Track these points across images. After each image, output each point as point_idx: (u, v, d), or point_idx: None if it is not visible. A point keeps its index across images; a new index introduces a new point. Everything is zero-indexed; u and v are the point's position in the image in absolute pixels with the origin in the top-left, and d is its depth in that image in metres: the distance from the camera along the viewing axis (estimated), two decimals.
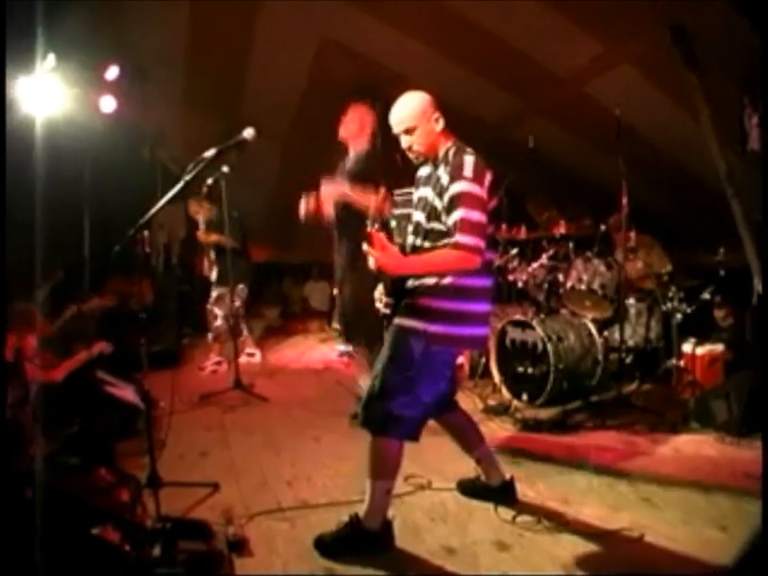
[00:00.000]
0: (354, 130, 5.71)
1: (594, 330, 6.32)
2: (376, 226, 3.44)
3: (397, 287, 3.63)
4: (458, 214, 3.38)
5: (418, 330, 3.50)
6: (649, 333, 6.68)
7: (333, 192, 5.49)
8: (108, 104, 7.40)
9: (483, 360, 6.89)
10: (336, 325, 9.19)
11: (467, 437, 4.19)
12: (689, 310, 6.29)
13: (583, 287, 6.29)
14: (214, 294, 8.07)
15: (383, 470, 3.58)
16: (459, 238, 3.35)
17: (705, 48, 5.52)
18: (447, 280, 3.51)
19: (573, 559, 3.51)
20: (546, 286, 6.79)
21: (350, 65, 7.28)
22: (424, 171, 3.86)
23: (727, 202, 5.71)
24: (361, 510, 3.61)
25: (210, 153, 3.76)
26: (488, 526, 3.90)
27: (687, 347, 6.29)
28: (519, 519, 3.94)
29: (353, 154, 5.69)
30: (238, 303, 7.76)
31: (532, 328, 6.14)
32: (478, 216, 3.39)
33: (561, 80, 6.98)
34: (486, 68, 7.07)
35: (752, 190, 5.62)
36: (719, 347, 6.26)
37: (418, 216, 3.74)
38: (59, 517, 3.33)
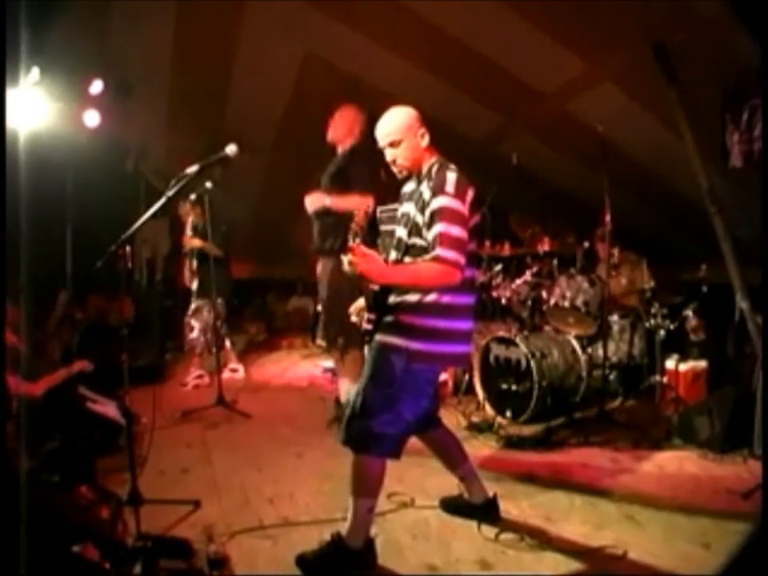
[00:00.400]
0: (342, 131, 5.76)
1: (577, 347, 6.34)
2: (357, 240, 3.43)
3: (378, 303, 3.62)
4: (437, 229, 3.37)
5: (400, 348, 3.48)
6: (632, 349, 6.69)
7: (315, 204, 5.51)
8: (92, 118, 7.38)
9: (467, 377, 6.88)
10: (320, 341, 9.17)
11: (450, 454, 4.17)
12: (672, 327, 6.32)
13: (567, 304, 6.30)
14: (193, 305, 8.05)
15: (365, 488, 3.56)
16: (439, 251, 3.34)
17: (687, 66, 5.55)
18: (430, 297, 3.50)
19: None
20: (529, 302, 6.81)
21: (334, 80, 7.29)
22: (408, 187, 3.87)
23: (709, 219, 5.74)
24: (343, 528, 3.59)
25: (192, 169, 3.75)
26: (471, 544, 3.88)
27: (670, 363, 6.31)
28: (502, 537, 3.92)
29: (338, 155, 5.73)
30: (212, 317, 7.70)
31: (516, 345, 6.14)
32: (458, 231, 3.39)
33: (544, 97, 7.00)
34: (469, 84, 7.10)
35: (734, 206, 5.65)
36: (702, 363, 6.29)
37: (401, 232, 3.74)
38: (39, 534, 3.29)
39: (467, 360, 4.14)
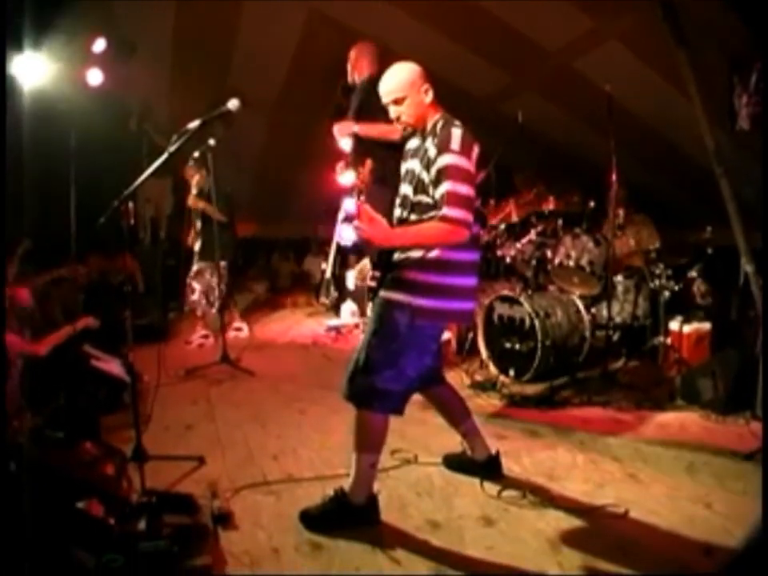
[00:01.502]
0: (360, 64, 5.79)
1: (581, 307, 6.33)
2: (362, 198, 3.41)
3: (383, 260, 3.61)
4: (445, 187, 3.35)
5: (403, 304, 3.47)
6: (636, 310, 6.68)
7: (344, 131, 5.49)
8: (95, 77, 7.33)
9: (470, 336, 6.89)
10: (324, 300, 9.17)
11: (453, 411, 4.19)
12: (676, 288, 6.30)
13: (571, 264, 6.27)
14: (195, 267, 8.05)
15: (368, 443, 3.57)
16: (446, 210, 3.32)
17: (696, 26, 5.49)
18: (433, 254, 3.49)
19: (558, 534, 3.51)
20: (534, 262, 6.78)
21: (338, 37, 7.22)
22: (412, 144, 3.82)
23: (716, 181, 5.70)
24: (347, 483, 3.61)
25: (194, 124, 3.72)
26: (473, 501, 3.90)
27: (674, 325, 6.29)
28: (505, 494, 3.94)
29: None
30: (214, 279, 7.69)
31: (520, 304, 6.14)
32: (465, 189, 3.36)
33: (550, 54, 6.94)
34: (475, 42, 7.03)
35: (740, 168, 5.61)
36: (706, 325, 6.27)
37: (406, 189, 3.71)
38: (44, 491, 3.31)
39: (471, 317, 4.12)
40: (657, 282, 6.35)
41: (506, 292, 6.42)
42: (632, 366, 6.46)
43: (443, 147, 3.41)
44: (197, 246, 8.07)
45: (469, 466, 4.22)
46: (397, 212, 3.75)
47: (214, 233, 7.26)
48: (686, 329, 6.21)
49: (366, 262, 3.83)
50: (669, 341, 6.27)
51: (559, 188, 7.35)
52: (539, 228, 6.92)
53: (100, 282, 8.13)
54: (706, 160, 5.63)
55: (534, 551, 3.37)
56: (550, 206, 7.12)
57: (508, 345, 6.23)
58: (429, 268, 3.50)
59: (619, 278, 6.68)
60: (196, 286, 8.01)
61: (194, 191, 7.89)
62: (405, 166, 3.83)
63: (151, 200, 10.20)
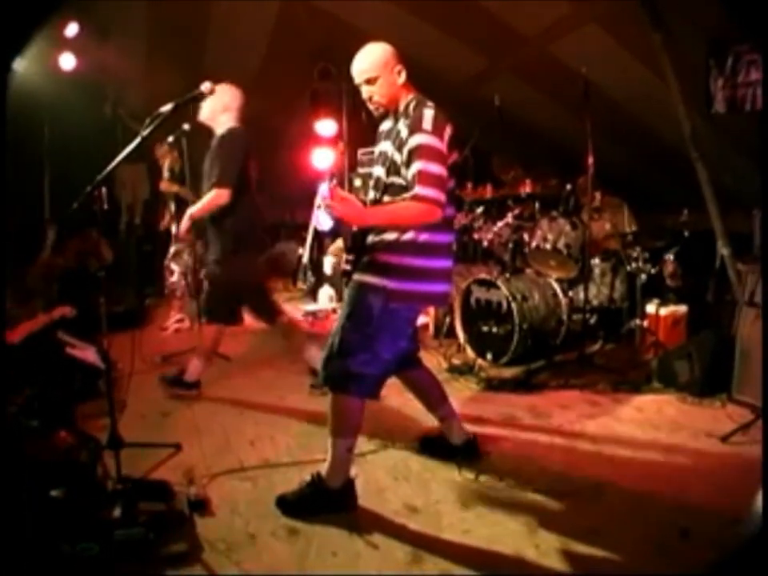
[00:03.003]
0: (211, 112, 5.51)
1: (558, 290, 6.35)
2: (334, 181, 3.38)
3: (356, 244, 3.59)
4: (416, 167, 3.33)
5: (378, 287, 3.47)
6: (613, 293, 6.70)
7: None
8: (68, 61, 7.27)
9: (448, 319, 6.89)
10: (301, 284, 9.16)
11: (430, 395, 4.19)
12: (653, 271, 6.33)
13: (548, 247, 6.28)
14: (173, 249, 7.97)
15: (344, 427, 3.57)
16: (418, 190, 3.31)
17: (672, 9, 5.49)
18: (408, 236, 3.48)
19: (535, 517, 3.52)
20: (511, 245, 6.80)
21: (314, 22, 7.18)
22: (385, 126, 3.80)
23: (692, 164, 5.72)
24: (323, 468, 3.61)
25: (167, 107, 3.68)
26: (451, 485, 3.91)
27: (651, 308, 6.31)
28: (482, 478, 3.96)
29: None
30: (192, 260, 7.61)
31: (497, 287, 6.14)
32: (437, 169, 3.35)
33: (527, 39, 6.92)
34: (452, 26, 7.00)
35: (716, 152, 5.63)
36: (682, 308, 6.30)
37: (378, 171, 3.68)
38: (18, 479, 3.28)
39: (446, 299, 4.12)
40: (633, 265, 6.38)
41: (483, 275, 6.42)
42: (609, 349, 6.48)
43: (415, 127, 3.39)
44: (173, 228, 8.00)
45: (446, 449, 4.22)
46: (370, 194, 3.72)
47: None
48: (663, 311, 6.23)
49: (337, 244, 3.81)
50: (645, 324, 6.29)
51: (536, 171, 7.36)
52: (516, 211, 6.94)
53: (77, 268, 8.07)
54: (683, 143, 5.65)
55: (510, 534, 3.39)
56: (526, 189, 7.14)
57: (485, 328, 6.24)
58: (403, 250, 3.49)
59: (596, 261, 6.69)
60: (175, 267, 7.94)
61: (165, 174, 7.80)
62: (378, 149, 3.82)
63: (127, 185, 10.11)
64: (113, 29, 7.57)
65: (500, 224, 6.89)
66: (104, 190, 3.74)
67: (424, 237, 3.49)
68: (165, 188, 7.74)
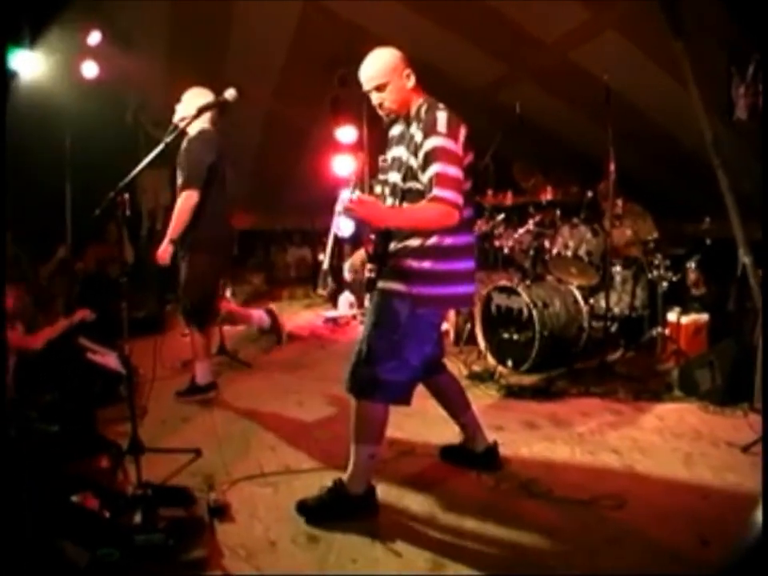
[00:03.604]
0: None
1: (579, 297, 6.32)
2: (356, 192, 3.39)
3: (379, 253, 3.58)
4: (433, 170, 3.31)
5: (403, 293, 3.46)
6: (634, 300, 6.66)
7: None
8: (90, 69, 7.32)
9: (468, 326, 6.88)
10: (321, 291, 9.17)
11: (454, 401, 4.17)
12: (674, 279, 6.29)
13: (569, 254, 6.26)
14: None
15: (367, 434, 3.56)
16: (437, 192, 3.28)
17: (694, 16, 5.47)
18: (431, 241, 3.47)
19: (555, 526, 3.51)
20: (531, 252, 6.78)
21: (334, 28, 7.19)
22: (396, 130, 3.79)
23: (713, 171, 5.69)
24: (344, 474, 3.60)
25: (190, 113, 3.70)
26: (472, 493, 3.90)
27: (672, 316, 6.28)
28: (503, 485, 3.94)
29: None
30: None
31: (517, 294, 6.13)
32: (454, 171, 3.33)
33: (547, 46, 6.91)
34: (472, 33, 7.00)
35: (738, 159, 5.59)
36: (704, 316, 6.26)
37: (394, 177, 3.66)
38: (38, 484, 3.30)
39: (471, 300, 4.10)
40: (655, 273, 6.35)
41: (503, 282, 6.41)
42: (630, 357, 6.44)
43: (429, 130, 3.37)
44: None
45: (467, 457, 4.21)
46: (388, 201, 3.70)
47: None
48: (684, 320, 6.20)
49: (358, 254, 3.79)
50: (667, 332, 6.27)
51: (557, 178, 7.34)
52: (537, 218, 6.91)
53: (98, 273, 8.12)
54: (704, 150, 5.61)
55: (531, 542, 3.38)
56: (547, 195, 7.11)
57: (506, 335, 6.22)
58: (428, 255, 3.48)
59: (617, 268, 6.66)
60: None
61: None
62: (390, 154, 3.81)
63: (148, 191, 10.16)
64: (134, 37, 7.60)
65: (521, 231, 6.87)
66: (126, 195, 3.75)
67: (448, 240, 3.48)
68: None
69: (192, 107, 5.18)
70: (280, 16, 7.36)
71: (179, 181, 5.29)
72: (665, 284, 6.28)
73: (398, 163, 3.66)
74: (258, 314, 5.97)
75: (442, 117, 3.39)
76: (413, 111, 3.57)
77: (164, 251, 5.27)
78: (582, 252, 6.21)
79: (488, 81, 7.92)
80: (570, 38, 6.67)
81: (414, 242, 3.49)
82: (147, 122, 9.31)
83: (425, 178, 3.37)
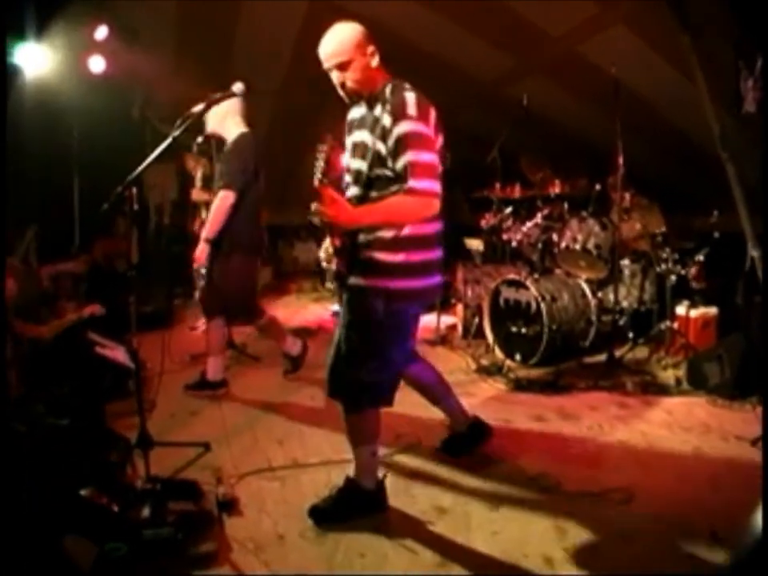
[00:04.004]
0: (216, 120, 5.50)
1: (588, 291, 6.31)
2: (324, 180, 3.16)
3: (346, 245, 3.36)
4: (407, 158, 3.11)
5: (379, 289, 3.29)
6: (643, 294, 6.65)
7: None
8: (97, 64, 7.33)
9: (476, 320, 6.87)
10: (329, 284, 9.16)
11: (432, 388, 4.08)
12: (683, 272, 6.27)
13: (578, 247, 6.25)
14: None
15: (364, 437, 3.52)
16: (413, 183, 3.10)
17: (701, 10, 5.45)
18: (406, 232, 3.27)
19: (564, 519, 3.50)
20: (540, 245, 6.77)
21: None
22: (356, 113, 3.56)
23: (722, 165, 5.66)
24: (351, 470, 3.58)
25: (198, 107, 3.70)
26: (480, 486, 3.89)
27: (681, 309, 6.26)
28: (510, 479, 3.94)
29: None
30: None
31: (526, 288, 6.12)
32: (428, 157, 3.15)
33: (554, 40, 6.89)
34: (479, 26, 6.98)
35: (746, 152, 5.57)
36: (713, 310, 6.25)
37: (358, 164, 3.42)
38: (47, 478, 3.31)
39: (441, 291, 3.95)
40: (663, 267, 6.32)
41: (512, 276, 6.40)
42: (638, 351, 6.41)
43: (399, 114, 3.15)
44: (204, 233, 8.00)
45: (458, 443, 4.18)
46: (352, 190, 3.46)
47: None
48: (693, 313, 6.18)
49: (325, 245, 3.67)
50: (675, 325, 6.25)
51: (565, 171, 7.32)
52: (545, 211, 6.91)
53: (106, 268, 8.12)
54: (713, 143, 5.59)
55: (539, 536, 3.37)
56: (555, 189, 7.10)
57: (514, 329, 6.22)
58: (400, 247, 3.28)
59: (626, 261, 6.63)
60: (204, 271, 7.93)
61: (198, 184, 7.82)
62: (351, 139, 3.57)
63: (156, 186, 10.15)
64: (141, 32, 7.61)
65: (529, 224, 6.86)
66: (134, 190, 3.75)
67: (418, 230, 3.30)
68: (196, 197, 7.78)
69: (222, 111, 5.25)
70: (286, 11, 7.35)
71: (219, 182, 5.30)
72: (673, 278, 6.26)
73: (361, 149, 3.40)
74: (293, 340, 5.96)
75: (410, 98, 3.19)
76: (377, 92, 3.33)
77: (201, 252, 5.26)
78: (590, 245, 6.19)
79: (496, 74, 7.90)
80: (577, 32, 6.66)
81: (387, 234, 3.27)
82: (154, 116, 9.32)
83: (397, 165, 3.17)
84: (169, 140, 3.65)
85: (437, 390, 4.10)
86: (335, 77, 3.35)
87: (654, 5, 5.65)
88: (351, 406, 3.46)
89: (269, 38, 7.87)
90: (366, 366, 3.36)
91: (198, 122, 3.75)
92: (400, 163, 3.15)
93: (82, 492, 3.30)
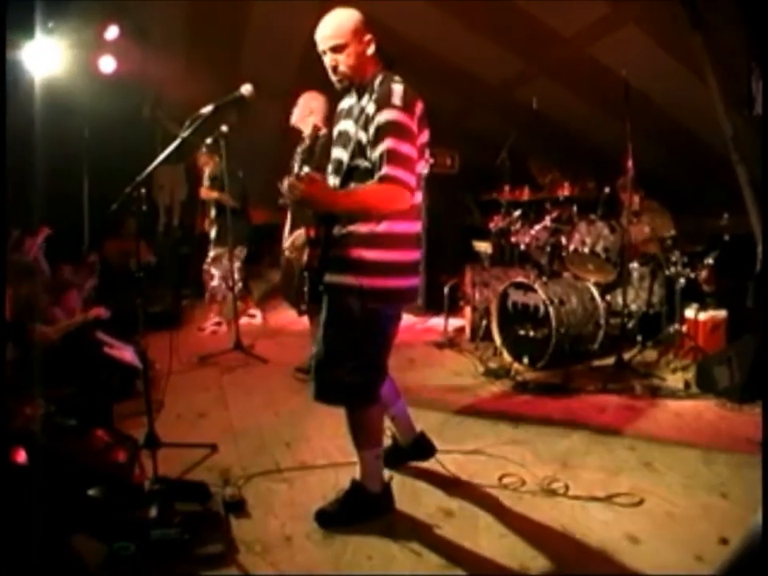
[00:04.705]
0: (299, 115, 5.87)
1: (596, 294, 6.30)
2: (306, 168, 3.16)
3: (321, 236, 3.31)
4: (384, 145, 3.04)
5: (353, 286, 3.20)
6: (651, 297, 6.64)
7: None
8: (107, 64, 7.35)
9: (484, 322, 6.86)
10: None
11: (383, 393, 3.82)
12: (692, 275, 6.25)
13: (586, 250, 6.24)
14: (212, 253, 7.99)
15: (367, 439, 3.49)
16: (387, 170, 3.03)
17: (713, 11, 5.44)
18: (381, 227, 3.19)
19: (572, 522, 3.49)
20: (548, 248, 6.76)
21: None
22: (346, 103, 3.52)
23: (733, 167, 5.65)
24: (357, 475, 3.56)
25: (207, 109, 3.69)
26: (487, 489, 3.88)
27: (690, 312, 6.25)
28: (518, 482, 3.93)
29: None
30: (237, 264, 7.64)
31: (534, 291, 6.11)
32: (407, 148, 3.07)
33: (565, 40, 6.88)
34: (489, 28, 6.99)
35: (758, 154, 5.56)
36: (722, 313, 6.23)
37: (339, 153, 3.37)
38: (55, 478, 3.31)
39: (417, 295, 3.85)
40: (672, 270, 6.31)
41: (520, 279, 6.40)
42: (647, 354, 6.39)
43: (383, 103, 3.09)
44: (212, 233, 8.03)
45: (400, 455, 4.07)
46: (331, 180, 3.40)
47: (228, 220, 7.22)
48: (702, 316, 6.17)
49: (299, 234, 3.59)
50: (684, 328, 6.23)
51: (574, 174, 7.31)
52: (554, 214, 6.89)
53: (118, 267, 8.14)
54: (723, 145, 5.58)
55: (547, 539, 3.36)
56: (564, 191, 7.09)
57: (522, 332, 6.21)
58: (378, 244, 3.20)
59: (635, 264, 6.62)
60: (215, 271, 7.96)
61: (206, 182, 7.85)
62: (337, 128, 3.52)
63: (165, 187, 10.18)
64: (152, 32, 7.62)
65: (537, 227, 6.85)
66: (143, 191, 3.75)
67: (399, 228, 3.24)
68: (205, 195, 7.81)
69: (307, 108, 5.37)
70: (297, 10, 7.35)
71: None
72: (682, 281, 6.24)
73: (344, 138, 3.36)
74: None
75: (397, 89, 3.13)
76: (367, 82, 3.29)
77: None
78: (599, 248, 6.19)
79: (505, 76, 7.90)
80: (588, 33, 6.65)
81: (362, 228, 3.20)
82: (164, 116, 9.34)
83: (375, 154, 3.11)
84: (178, 141, 3.65)
85: (386, 394, 3.80)
86: (328, 59, 3.30)
87: (665, 5, 5.64)
88: (353, 403, 3.44)
89: (279, 37, 7.88)
90: (345, 366, 3.29)
91: (209, 122, 3.73)
92: (378, 150, 3.09)
93: (90, 492, 3.30)
